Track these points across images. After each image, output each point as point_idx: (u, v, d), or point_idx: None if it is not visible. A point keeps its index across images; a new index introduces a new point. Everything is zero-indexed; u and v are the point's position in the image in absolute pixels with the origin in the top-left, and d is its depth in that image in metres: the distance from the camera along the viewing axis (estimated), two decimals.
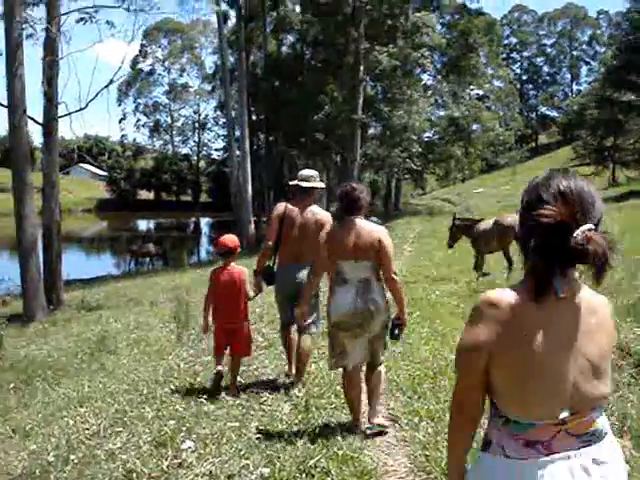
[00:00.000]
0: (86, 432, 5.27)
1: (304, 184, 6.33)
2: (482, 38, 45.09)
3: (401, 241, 22.36)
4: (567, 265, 1.92)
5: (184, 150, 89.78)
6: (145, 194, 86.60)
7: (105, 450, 4.82)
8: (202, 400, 5.82)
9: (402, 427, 5.17)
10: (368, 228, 4.93)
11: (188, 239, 58.08)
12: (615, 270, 10.64)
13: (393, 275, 4.88)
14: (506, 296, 1.97)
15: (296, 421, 5.25)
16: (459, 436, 2.14)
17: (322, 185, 6.59)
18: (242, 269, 6.31)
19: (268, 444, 4.72)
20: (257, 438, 4.87)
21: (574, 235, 1.82)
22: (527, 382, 1.92)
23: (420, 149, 40.34)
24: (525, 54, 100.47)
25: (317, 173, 6.64)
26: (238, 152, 33.43)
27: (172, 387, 6.36)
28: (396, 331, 5.00)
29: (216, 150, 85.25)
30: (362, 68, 35.61)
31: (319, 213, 6.33)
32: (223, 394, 5.96)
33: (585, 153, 42.55)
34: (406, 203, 56.76)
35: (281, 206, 6.38)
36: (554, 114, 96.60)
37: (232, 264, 6.29)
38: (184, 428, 5.08)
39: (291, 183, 6.55)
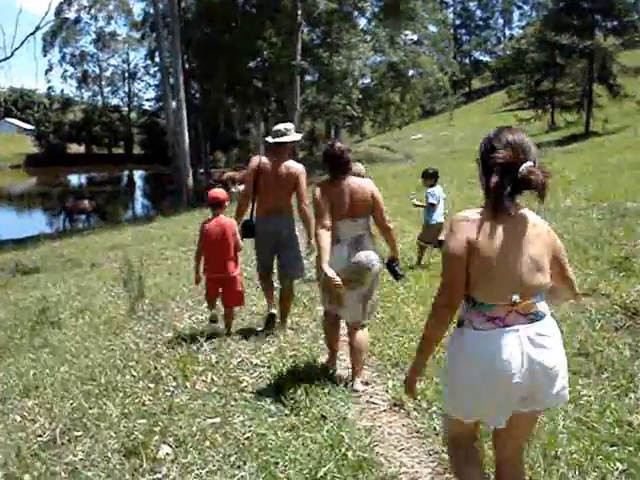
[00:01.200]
0: (39, 439, 4.36)
1: (274, 140, 6.28)
2: None
3: None
4: (515, 192, 2.62)
5: (114, 101, 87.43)
6: (75, 148, 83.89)
7: (65, 464, 3.96)
8: (171, 389, 5.03)
9: (409, 414, 4.48)
10: (360, 184, 4.92)
11: (122, 193, 56.36)
12: (590, 218, 10.22)
13: (388, 224, 4.98)
14: (473, 213, 2.68)
15: (286, 412, 4.48)
16: (441, 326, 2.76)
17: (296, 138, 6.48)
18: (232, 220, 6.42)
19: (261, 446, 3.95)
20: (246, 438, 4.10)
21: (520, 170, 2.55)
22: (487, 274, 2.62)
23: (360, 95, 39.50)
24: None
25: (292, 126, 6.50)
26: (173, 102, 31.95)
27: (134, 374, 5.43)
28: (398, 270, 5.12)
29: (147, 100, 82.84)
30: (300, 12, 34.29)
31: (293, 166, 6.31)
32: (196, 385, 5.13)
33: (524, 97, 42.25)
34: None
35: (255, 160, 6.36)
36: (487, 59, 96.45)
37: (221, 215, 6.39)
38: (157, 429, 4.25)
39: (265, 139, 6.55)
